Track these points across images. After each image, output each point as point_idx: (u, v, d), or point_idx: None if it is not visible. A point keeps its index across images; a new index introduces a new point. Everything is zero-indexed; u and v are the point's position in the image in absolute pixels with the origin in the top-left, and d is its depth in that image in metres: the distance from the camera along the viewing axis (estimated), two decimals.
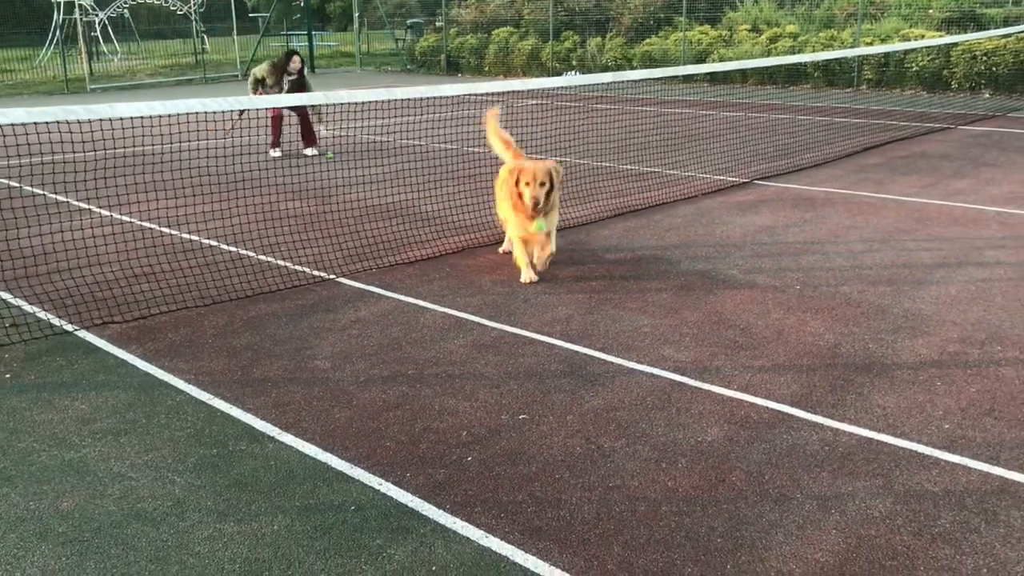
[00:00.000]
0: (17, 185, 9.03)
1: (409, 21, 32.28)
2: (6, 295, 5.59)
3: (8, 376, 4.44)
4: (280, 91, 10.70)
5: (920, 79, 16.85)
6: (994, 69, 15.82)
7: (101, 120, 5.24)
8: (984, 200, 7.96)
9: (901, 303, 5.28)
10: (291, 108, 11.04)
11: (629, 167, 9.84)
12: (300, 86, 10.85)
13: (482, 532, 3.04)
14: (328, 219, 7.56)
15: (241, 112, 10.41)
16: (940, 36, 16.14)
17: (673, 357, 4.54)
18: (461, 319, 5.15)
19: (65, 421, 3.92)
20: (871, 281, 5.72)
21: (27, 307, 5.37)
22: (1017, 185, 8.57)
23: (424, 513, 3.16)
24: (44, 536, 3.06)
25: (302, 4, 27.76)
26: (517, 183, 5.54)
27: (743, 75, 19.18)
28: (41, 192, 8.55)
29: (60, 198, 8.34)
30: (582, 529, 3.06)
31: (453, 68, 24.87)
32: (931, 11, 18.98)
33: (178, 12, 31.02)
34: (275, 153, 11.31)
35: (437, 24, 26.77)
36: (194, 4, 30.28)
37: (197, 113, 6.94)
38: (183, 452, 3.63)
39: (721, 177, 9.16)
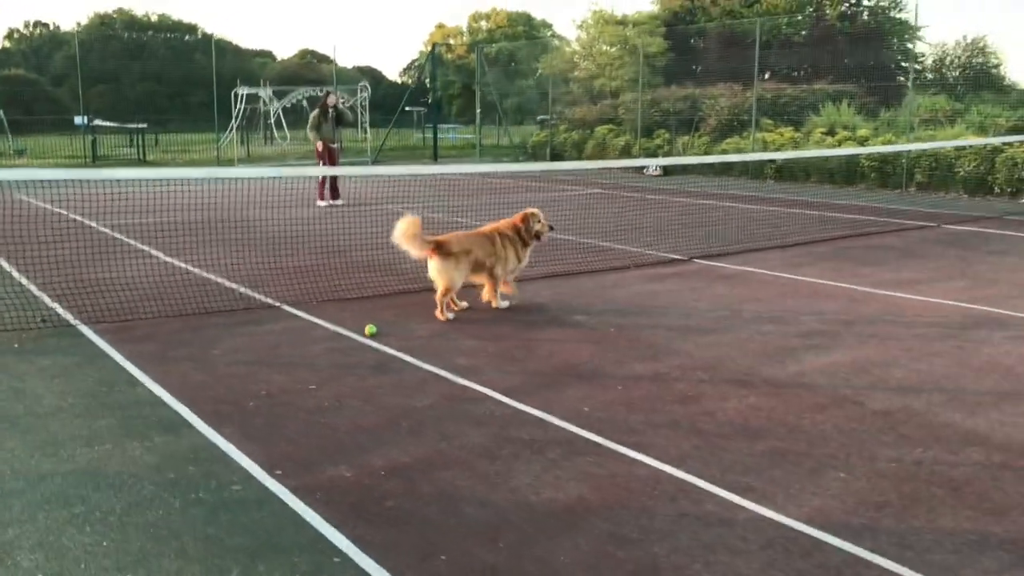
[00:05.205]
0: (113, 234, 11.67)
1: (539, 117, 35.09)
2: (56, 304, 7.88)
3: (16, 345, 6.64)
4: (330, 126, 15.62)
5: (965, 183, 17.57)
6: None
7: (117, 180, 7.51)
8: (880, 284, 9.04)
9: (672, 343, 6.74)
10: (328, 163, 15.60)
11: (592, 242, 11.44)
12: (339, 117, 15.85)
13: (211, 429, 4.85)
14: (319, 270, 9.59)
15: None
16: (978, 138, 16.88)
17: (453, 361, 6.21)
18: (336, 333, 7.01)
19: (28, 367, 6.04)
20: (675, 328, 7.18)
21: (59, 309, 7.65)
22: (924, 272, 9.61)
23: (180, 412, 5.01)
24: None
25: (428, 101, 30.92)
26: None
27: (807, 174, 20.35)
28: (114, 235, 11.11)
29: (137, 244, 10.85)
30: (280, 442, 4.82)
31: (556, 159, 27.06)
32: (1000, 120, 19.59)
33: (347, 105, 35.07)
34: (321, 203, 15.29)
35: (551, 121, 29.21)
36: (360, 99, 34.26)
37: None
38: (81, 382, 5.64)
39: (667, 255, 10.65)
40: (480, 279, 7.84)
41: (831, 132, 21.49)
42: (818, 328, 7.22)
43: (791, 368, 6.10)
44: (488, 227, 7.97)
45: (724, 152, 22.38)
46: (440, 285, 7.52)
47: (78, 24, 61.72)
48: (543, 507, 3.98)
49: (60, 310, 7.64)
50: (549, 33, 61.88)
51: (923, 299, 8.32)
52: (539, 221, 7.94)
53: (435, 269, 7.50)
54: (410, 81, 65.53)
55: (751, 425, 5.00)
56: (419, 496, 4.09)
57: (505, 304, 7.88)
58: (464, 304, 7.81)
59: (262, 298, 8.24)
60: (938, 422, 5.05)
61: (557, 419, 5.09)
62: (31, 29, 63.61)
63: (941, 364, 6.22)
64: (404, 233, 7.33)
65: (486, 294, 7.91)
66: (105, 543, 3.65)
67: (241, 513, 3.92)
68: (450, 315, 7.55)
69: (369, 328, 7.04)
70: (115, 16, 62.12)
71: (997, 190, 17.18)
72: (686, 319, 7.55)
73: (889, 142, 19.06)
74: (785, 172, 20.69)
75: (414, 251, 7.46)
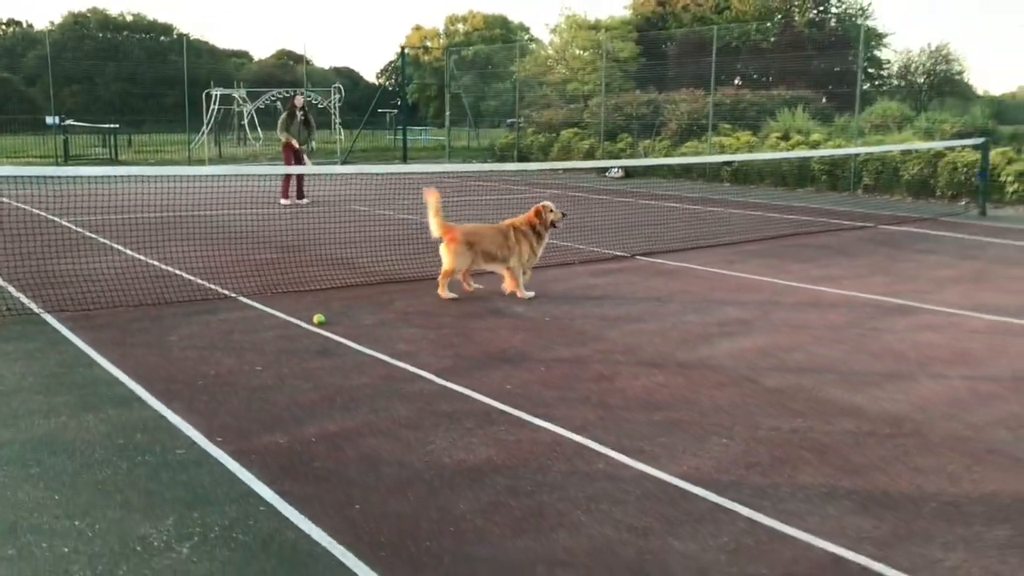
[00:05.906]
0: (78, 229, 12.06)
1: (508, 120, 35.66)
2: (20, 295, 8.28)
3: None
4: (297, 127, 16.22)
5: (909, 186, 18.27)
6: (972, 180, 17.11)
7: (77, 177, 7.92)
8: (805, 279, 9.60)
9: (600, 331, 7.25)
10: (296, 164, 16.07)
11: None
12: (306, 120, 16.45)
13: (152, 398, 5.31)
14: (276, 264, 10.04)
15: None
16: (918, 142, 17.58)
17: (393, 347, 6.69)
18: (287, 322, 7.48)
19: None
20: (606, 318, 7.70)
21: (24, 299, 8.06)
22: (851, 269, 10.20)
23: (134, 390, 5.46)
24: None
25: (399, 103, 31.36)
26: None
27: (761, 177, 21.00)
28: (80, 230, 11.50)
29: (102, 240, 11.25)
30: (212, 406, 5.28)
31: (523, 161, 27.57)
32: (945, 125, 20.33)
33: (319, 106, 35.56)
34: (284, 202, 15.76)
35: (518, 124, 29.76)
36: (334, 100, 34.68)
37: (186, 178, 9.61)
38: (43, 364, 6.07)
39: (612, 252, 11.18)
40: (494, 268, 8.64)
41: (786, 137, 22.16)
42: (737, 317, 7.77)
43: (703, 352, 6.63)
44: (505, 222, 8.70)
45: (683, 155, 23.00)
46: (444, 265, 8.44)
47: (51, 23, 61.59)
48: (453, 467, 4.47)
49: (25, 300, 8.05)
50: (526, 36, 62.45)
51: (842, 292, 8.90)
52: (552, 211, 8.65)
53: (442, 251, 8.44)
54: (387, 83, 65.94)
55: (654, 399, 5.52)
56: (343, 459, 4.57)
57: (531, 294, 8.52)
58: (478, 286, 8.72)
59: (220, 290, 8.68)
60: (822, 397, 5.60)
61: (480, 395, 5.59)
62: (4, 27, 63.39)
63: (841, 349, 6.77)
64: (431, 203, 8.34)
65: (508, 285, 8.61)
66: (56, 497, 4.10)
67: (181, 472, 4.39)
68: (452, 294, 8.42)
69: (317, 317, 7.49)
70: (89, 15, 62.02)
71: (939, 193, 17.89)
72: (617, 309, 8.07)
73: (839, 146, 19.73)
74: (740, 175, 21.35)
75: (434, 223, 8.36)
